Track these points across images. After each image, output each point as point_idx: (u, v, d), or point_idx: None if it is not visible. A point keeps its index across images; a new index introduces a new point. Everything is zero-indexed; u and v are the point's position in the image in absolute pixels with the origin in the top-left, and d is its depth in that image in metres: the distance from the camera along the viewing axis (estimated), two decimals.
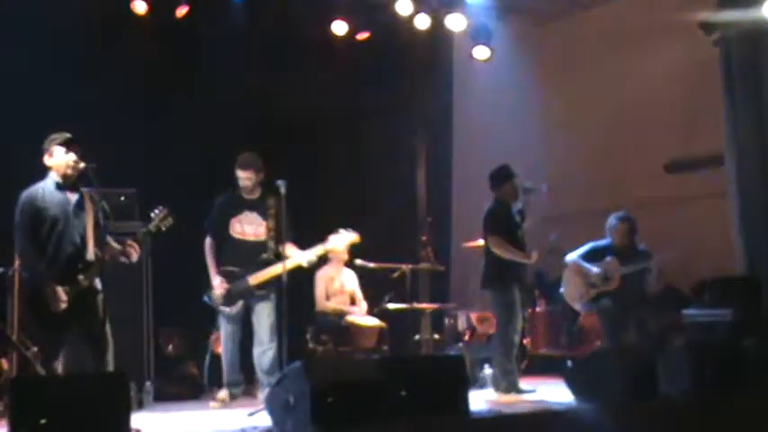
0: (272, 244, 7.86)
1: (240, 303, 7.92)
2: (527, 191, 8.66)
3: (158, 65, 9.57)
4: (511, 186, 8.65)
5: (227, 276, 7.93)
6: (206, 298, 7.99)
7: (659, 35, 10.80)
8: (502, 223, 8.53)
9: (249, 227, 7.97)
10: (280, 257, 7.71)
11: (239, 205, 8.03)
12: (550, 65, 12.09)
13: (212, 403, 7.92)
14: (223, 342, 8.07)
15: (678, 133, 11.00)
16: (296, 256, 7.87)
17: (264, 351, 7.88)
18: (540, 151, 11.79)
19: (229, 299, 7.90)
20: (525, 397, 7.96)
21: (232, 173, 8.05)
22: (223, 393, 7.96)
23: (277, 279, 7.69)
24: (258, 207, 8.02)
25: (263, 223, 7.93)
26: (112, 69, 9.21)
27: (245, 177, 7.97)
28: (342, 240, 8.36)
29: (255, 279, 7.86)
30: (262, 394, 7.67)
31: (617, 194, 10.77)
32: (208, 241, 8.05)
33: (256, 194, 8.05)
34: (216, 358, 9.06)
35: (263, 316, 7.88)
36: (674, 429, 6.29)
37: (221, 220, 8.00)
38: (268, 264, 7.86)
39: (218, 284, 7.90)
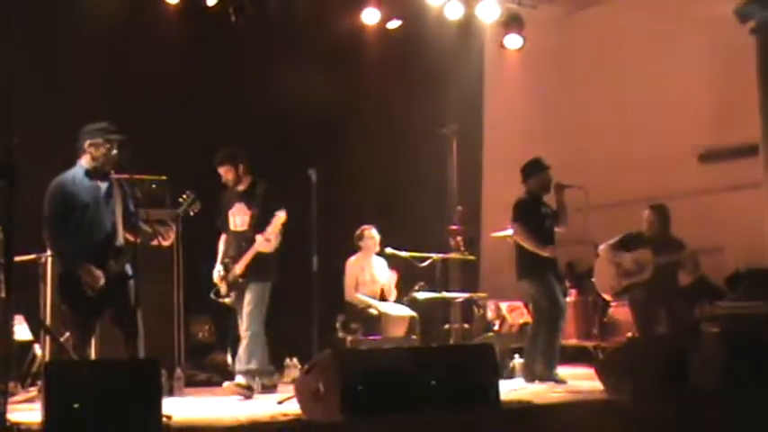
0: (252, 233, 7.76)
1: (232, 295, 7.89)
2: (560, 188, 8.62)
3: (190, 53, 9.62)
4: (540, 179, 8.65)
5: (225, 268, 7.93)
6: (212, 294, 8.03)
7: (693, 23, 10.71)
8: (528, 213, 8.54)
9: (239, 218, 7.90)
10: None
11: (232, 198, 7.99)
12: (582, 53, 12.03)
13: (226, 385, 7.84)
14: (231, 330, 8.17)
15: (712, 123, 10.91)
16: (255, 244, 7.76)
17: (244, 336, 7.79)
18: (571, 141, 11.76)
19: (226, 289, 7.91)
20: (557, 387, 7.95)
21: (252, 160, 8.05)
22: (240, 380, 7.73)
23: (263, 266, 7.75)
24: (245, 197, 7.93)
25: (248, 213, 7.83)
26: (144, 58, 9.27)
27: (223, 173, 7.92)
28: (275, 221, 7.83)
29: (239, 267, 7.78)
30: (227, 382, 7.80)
31: (650, 184, 10.71)
32: (221, 237, 8.13)
33: (245, 185, 7.97)
34: None
35: (243, 304, 7.79)
36: (705, 421, 6.26)
37: (223, 215, 8.02)
38: (245, 251, 7.83)
39: (217, 276, 7.94)
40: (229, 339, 9.06)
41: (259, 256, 7.70)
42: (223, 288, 7.90)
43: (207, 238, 8.17)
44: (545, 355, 8.36)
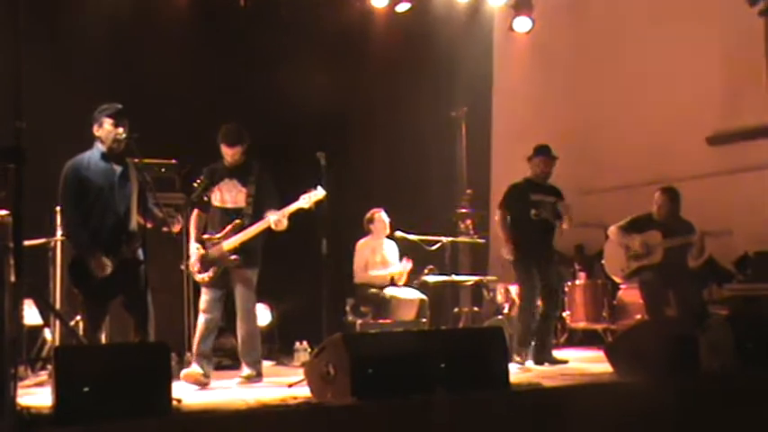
0: (249, 210, 7.50)
1: (214, 270, 7.46)
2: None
3: (199, 39, 9.60)
4: (537, 163, 8.66)
5: (206, 245, 7.52)
6: (182, 266, 7.75)
7: (703, 5, 10.66)
8: (513, 200, 8.66)
9: (228, 194, 7.57)
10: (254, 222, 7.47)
11: (222, 174, 7.65)
12: (591, 37, 11.97)
13: (183, 373, 7.31)
14: (200, 312, 7.52)
15: (721, 106, 10.87)
16: (266, 220, 7.47)
17: (242, 327, 7.53)
18: (580, 124, 11.72)
19: (203, 265, 7.47)
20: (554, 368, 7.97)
21: (217, 144, 7.66)
22: (195, 368, 7.34)
23: (255, 250, 7.52)
24: (239, 174, 7.62)
25: (243, 190, 7.55)
26: (154, 44, 9.25)
27: (232, 154, 7.58)
28: (310, 199, 7.62)
29: (229, 244, 7.45)
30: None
31: (660, 167, 10.66)
32: (194, 212, 7.71)
33: (239, 161, 7.65)
34: None
35: (241, 290, 7.50)
36: (715, 403, 6.23)
37: (203, 189, 7.63)
38: (242, 228, 7.49)
39: (194, 251, 7.51)
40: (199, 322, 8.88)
41: (253, 239, 7.47)
42: (198, 264, 7.49)
43: None
44: (521, 337, 8.38)
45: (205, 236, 7.57)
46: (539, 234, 8.58)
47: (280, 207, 7.50)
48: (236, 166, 7.61)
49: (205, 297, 7.49)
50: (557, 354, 8.61)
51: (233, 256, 7.42)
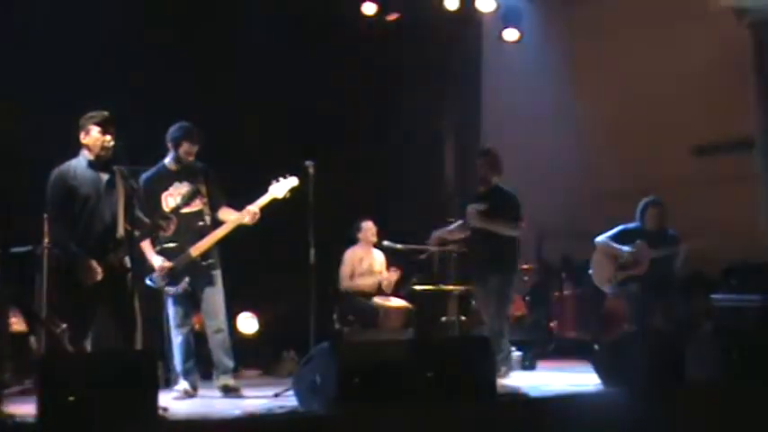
0: (207, 210, 7.34)
1: (186, 280, 7.28)
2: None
3: (192, 46, 9.56)
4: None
5: (167, 254, 7.28)
6: (149, 281, 7.25)
7: (690, 17, 10.68)
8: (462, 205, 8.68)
9: (178, 198, 7.33)
10: (217, 224, 7.32)
11: (167, 178, 7.42)
12: (579, 46, 11.99)
13: (173, 394, 7.15)
14: (174, 327, 7.35)
15: (707, 117, 10.89)
16: (235, 217, 7.33)
17: (220, 329, 7.37)
18: (567, 133, 11.73)
19: (173, 277, 7.26)
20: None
21: (171, 145, 7.47)
22: (185, 384, 7.26)
23: (218, 251, 7.38)
24: (187, 176, 7.42)
25: (200, 197, 7.34)
26: (147, 49, 9.21)
27: (192, 152, 7.39)
28: (282, 187, 7.51)
29: (197, 249, 7.25)
30: (218, 381, 7.34)
31: (645, 177, 10.67)
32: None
33: (181, 166, 7.46)
34: (241, 338, 9.09)
35: (213, 291, 7.34)
36: (700, 414, 6.24)
37: (152, 197, 7.28)
38: (206, 231, 7.32)
39: (160, 264, 7.22)
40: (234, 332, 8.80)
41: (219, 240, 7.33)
42: (167, 277, 7.23)
43: None
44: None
45: (167, 245, 7.30)
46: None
47: (228, 203, 7.40)
48: (183, 168, 7.43)
49: (178, 310, 7.34)
50: (540, 364, 8.61)
51: (205, 261, 7.30)
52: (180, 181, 7.39)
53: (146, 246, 7.19)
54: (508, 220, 8.18)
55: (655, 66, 11.11)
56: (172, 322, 7.37)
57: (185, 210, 7.29)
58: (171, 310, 7.38)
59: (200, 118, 8.12)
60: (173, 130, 7.50)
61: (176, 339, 7.34)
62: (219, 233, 7.31)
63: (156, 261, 7.23)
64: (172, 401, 6.46)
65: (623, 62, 11.49)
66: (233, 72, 9.76)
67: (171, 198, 7.34)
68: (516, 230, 8.23)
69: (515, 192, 8.36)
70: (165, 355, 7.56)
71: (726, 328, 7.81)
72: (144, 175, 7.32)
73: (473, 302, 10.17)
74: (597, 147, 11.58)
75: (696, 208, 10.10)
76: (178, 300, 7.34)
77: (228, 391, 7.21)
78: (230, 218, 7.35)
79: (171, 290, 7.29)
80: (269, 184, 7.48)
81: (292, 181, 7.46)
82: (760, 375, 6.66)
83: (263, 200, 7.41)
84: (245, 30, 9.67)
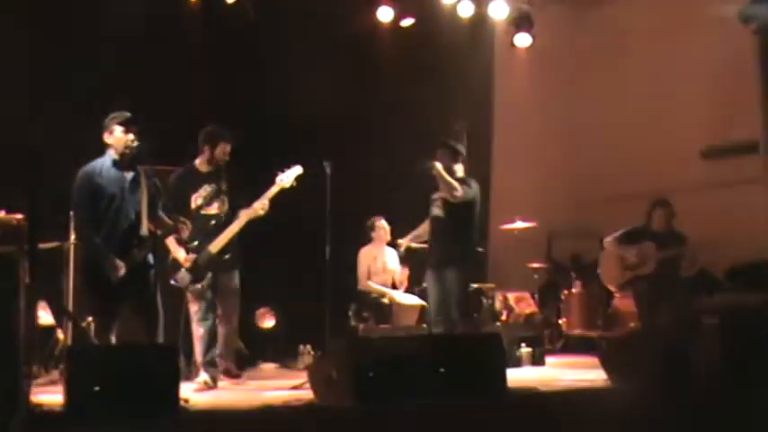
0: (226, 209, 7.46)
1: (209, 276, 7.39)
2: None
3: (210, 51, 9.62)
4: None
5: (191, 252, 7.41)
6: (174, 281, 7.37)
7: (697, 23, 10.65)
8: None
9: (211, 200, 7.51)
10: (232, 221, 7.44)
11: (198, 180, 7.56)
12: (588, 52, 11.98)
13: (194, 386, 7.14)
14: (196, 321, 7.41)
15: (715, 121, 10.85)
16: (247, 211, 7.45)
17: (229, 333, 7.56)
18: (578, 136, 11.73)
19: (197, 273, 7.36)
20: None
21: (208, 146, 7.58)
22: (205, 376, 7.32)
23: (238, 249, 7.48)
24: (215, 178, 7.55)
25: (222, 197, 7.51)
26: (167, 54, 9.26)
27: (228, 152, 7.55)
28: (289, 176, 7.64)
29: (215, 246, 7.37)
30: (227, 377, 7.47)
31: (654, 180, 10.65)
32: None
33: (212, 167, 7.60)
34: (259, 333, 9.13)
35: (229, 293, 7.51)
36: (705, 410, 6.22)
37: (180, 198, 7.44)
38: (223, 228, 7.44)
39: (185, 258, 7.34)
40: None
41: (235, 238, 7.44)
42: (191, 272, 7.36)
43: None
44: None
45: (191, 245, 7.40)
46: None
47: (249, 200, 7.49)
48: (214, 170, 7.56)
49: (201, 305, 7.42)
50: (549, 360, 8.57)
51: (225, 257, 7.41)
52: (209, 183, 7.52)
53: (171, 242, 7.30)
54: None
55: (662, 70, 11.08)
56: (194, 317, 7.43)
57: (207, 211, 7.45)
58: (194, 306, 7.44)
59: (216, 118, 8.20)
60: (209, 131, 7.63)
61: (198, 332, 7.40)
62: (234, 228, 7.40)
63: (181, 255, 7.33)
64: (192, 393, 6.50)
65: (632, 68, 11.47)
66: (251, 73, 9.80)
67: (200, 199, 7.48)
68: (459, 192, 7.77)
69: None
70: (186, 349, 7.62)
71: (730, 326, 7.77)
72: (174, 175, 7.50)
73: (484, 300, 10.21)
74: (606, 149, 11.56)
75: (703, 209, 10.08)
76: (201, 295, 7.41)
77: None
78: (242, 213, 7.45)
79: (195, 287, 7.37)
80: (275, 176, 7.53)
81: (297, 169, 7.56)
82: (764, 371, 6.65)
83: (272, 191, 7.50)
84: (263, 33, 9.71)
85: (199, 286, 7.37)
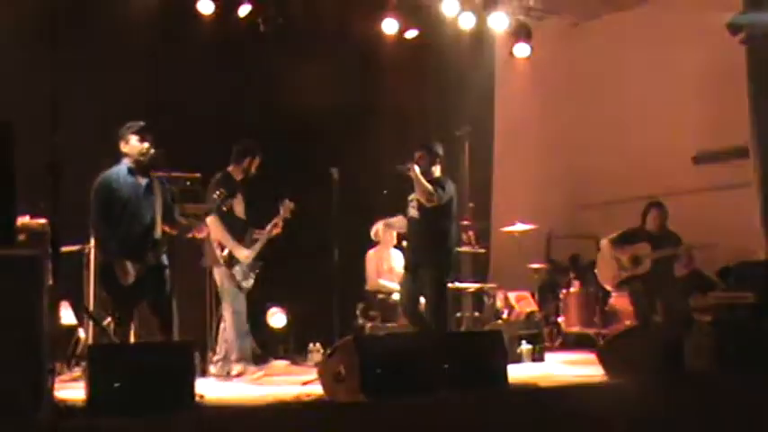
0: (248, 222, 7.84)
1: (253, 276, 7.73)
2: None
3: (222, 61, 9.67)
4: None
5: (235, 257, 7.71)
6: (247, 282, 7.71)
7: (689, 35, 10.69)
8: None
9: (240, 207, 7.78)
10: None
11: (235, 187, 7.73)
12: (585, 61, 12.02)
13: (254, 376, 7.53)
14: (241, 317, 7.67)
15: (706, 127, 10.89)
16: (268, 228, 7.84)
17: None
18: (575, 142, 11.76)
19: (247, 273, 7.71)
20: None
21: (246, 158, 7.84)
22: (255, 368, 7.66)
23: None
24: (242, 188, 7.83)
25: (242, 203, 7.80)
26: (180, 63, 9.31)
27: (258, 167, 7.86)
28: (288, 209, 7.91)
29: (254, 251, 7.72)
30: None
31: (648, 184, 10.68)
32: (216, 220, 7.56)
33: (243, 177, 7.85)
34: (271, 331, 9.17)
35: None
36: (698, 403, 6.24)
37: (225, 200, 7.50)
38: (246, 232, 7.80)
39: (246, 255, 7.65)
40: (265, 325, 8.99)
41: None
42: (243, 274, 7.68)
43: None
44: None
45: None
46: None
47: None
48: (241, 180, 7.80)
49: (243, 300, 7.68)
50: (549, 357, 8.58)
51: (259, 262, 7.73)
52: (241, 191, 7.76)
53: (229, 239, 7.60)
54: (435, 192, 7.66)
55: (657, 79, 11.13)
56: (243, 314, 7.66)
57: (240, 215, 7.75)
58: (240, 304, 7.66)
59: (232, 129, 8.25)
60: (249, 144, 7.87)
61: (244, 328, 7.66)
62: (265, 238, 7.73)
63: (244, 252, 7.63)
64: (251, 383, 6.85)
65: (626, 77, 11.50)
66: (258, 84, 9.84)
67: (237, 205, 7.70)
68: (434, 198, 7.59)
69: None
70: (206, 345, 7.87)
71: (723, 324, 7.78)
72: (216, 179, 7.67)
73: (486, 299, 10.22)
74: (603, 155, 11.59)
75: (696, 212, 10.10)
76: (244, 295, 7.67)
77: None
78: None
79: (246, 284, 7.67)
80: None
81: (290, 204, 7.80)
82: (754, 366, 6.66)
83: (278, 220, 7.85)
84: (275, 47, 9.75)
85: (248, 284, 7.66)
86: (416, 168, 7.61)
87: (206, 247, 7.73)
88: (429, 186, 7.57)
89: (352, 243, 8.70)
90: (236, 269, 7.63)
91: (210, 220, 7.41)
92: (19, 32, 8.07)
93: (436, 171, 7.85)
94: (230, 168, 7.82)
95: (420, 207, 7.75)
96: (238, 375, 7.51)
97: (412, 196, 7.84)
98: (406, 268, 8.02)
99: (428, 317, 7.73)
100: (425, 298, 7.79)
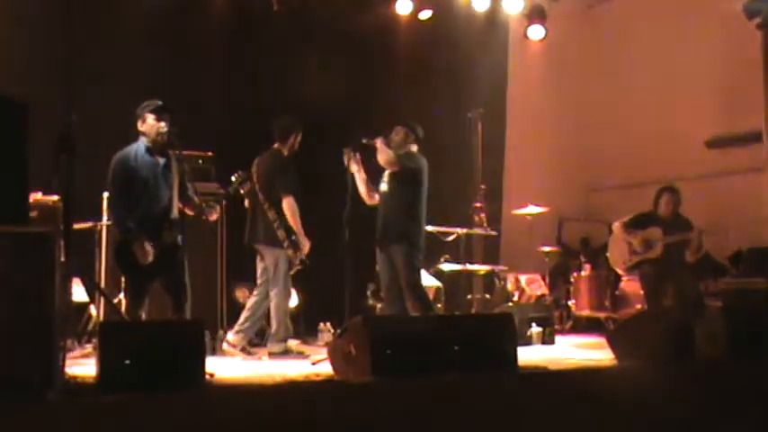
0: None
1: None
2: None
3: (234, 40, 9.65)
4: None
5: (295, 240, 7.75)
6: (302, 257, 7.75)
7: (704, 18, 10.63)
8: None
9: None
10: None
11: (287, 165, 7.81)
12: (599, 44, 11.95)
13: (276, 349, 7.69)
14: (285, 297, 7.80)
15: (720, 112, 10.82)
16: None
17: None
18: (587, 126, 11.70)
19: (295, 260, 7.76)
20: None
21: (291, 135, 7.87)
22: (288, 344, 7.82)
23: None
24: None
25: None
26: (194, 43, 9.30)
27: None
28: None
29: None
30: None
31: (661, 168, 10.63)
32: (294, 201, 7.65)
33: (291, 154, 7.88)
34: None
35: None
36: (708, 388, 6.22)
37: (244, 182, 7.55)
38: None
39: (306, 245, 7.77)
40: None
41: None
42: (298, 259, 7.77)
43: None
44: None
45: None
46: None
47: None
48: (292, 157, 7.84)
49: (289, 287, 7.84)
50: (559, 340, 8.55)
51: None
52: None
53: (299, 224, 7.64)
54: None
55: (670, 62, 11.05)
56: (284, 291, 7.73)
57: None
58: (286, 284, 7.74)
59: (244, 109, 8.22)
60: (292, 121, 7.89)
61: (286, 307, 7.78)
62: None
63: (308, 244, 7.73)
64: (214, 360, 6.70)
65: (640, 60, 11.43)
66: (276, 67, 9.81)
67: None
68: (395, 162, 7.64)
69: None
70: (216, 324, 8.00)
71: (733, 309, 7.75)
72: (287, 162, 7.75)
73: (497, 281, 10.20)
74: (615, 138, 11.54)
75: (708, 197, 10.06)
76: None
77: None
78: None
79: (292, 271, 7.77)
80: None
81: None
82: (765, 352, 6.63)
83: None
84: (288, 26, 9.71)
85: (298, 266, 7.74)
86: (379, 140, 7.64)
87: (259, 225, 7.70)
88: (391, 152, 7.60)
89: (363, 224, 8.69)
90: (291, 253, 7.67)
91: (288, 200, 7.53)
92: (34, 9, 8.06)
93: (412, 148, 7.85)
94: (276, 146, 7.83)
95: (391, 181, 7.75)
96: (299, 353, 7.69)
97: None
98: (378, 246, 7.87)
99: (407, 296, 7.60)
100: (400, 276, 7.65)
